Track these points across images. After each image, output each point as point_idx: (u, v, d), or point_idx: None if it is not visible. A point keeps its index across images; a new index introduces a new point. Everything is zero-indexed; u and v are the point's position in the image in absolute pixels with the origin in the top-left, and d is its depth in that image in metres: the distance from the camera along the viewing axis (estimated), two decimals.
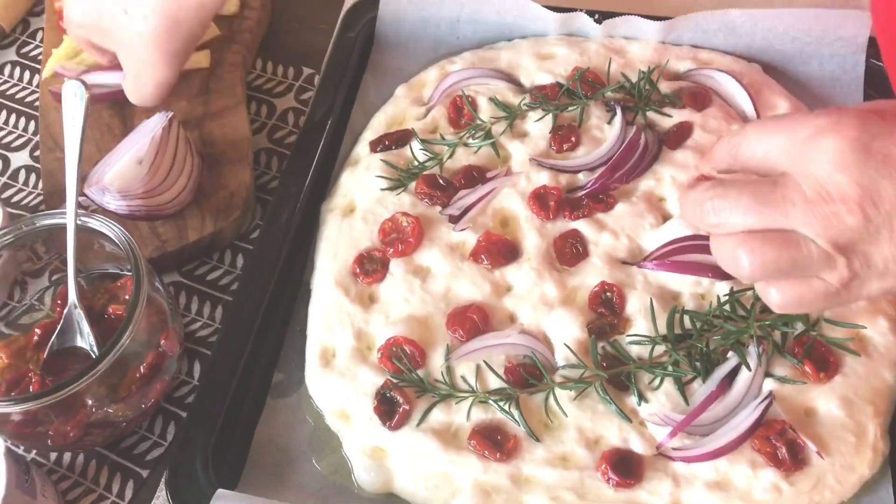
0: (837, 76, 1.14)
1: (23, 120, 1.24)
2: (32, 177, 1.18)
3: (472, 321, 0.93)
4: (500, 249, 0.98)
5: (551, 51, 1.17)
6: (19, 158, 1.20)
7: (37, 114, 1.23)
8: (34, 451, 0.98)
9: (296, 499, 0.89)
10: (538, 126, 1.08)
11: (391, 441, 0.89)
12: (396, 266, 0.99)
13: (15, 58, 1.31)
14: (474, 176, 1.05)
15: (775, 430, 0.86)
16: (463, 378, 0.91)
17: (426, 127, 1.11)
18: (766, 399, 0.87)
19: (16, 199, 1.17)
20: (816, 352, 0.90)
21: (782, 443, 0.85)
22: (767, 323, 0.90)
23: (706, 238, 0.95)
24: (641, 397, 0.89)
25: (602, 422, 0.88)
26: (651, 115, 1.09)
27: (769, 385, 0.89)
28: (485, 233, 0.99)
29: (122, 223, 1.03)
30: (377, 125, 1.13)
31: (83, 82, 0.93)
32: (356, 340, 0.95)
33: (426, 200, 1.03)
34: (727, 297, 0.92)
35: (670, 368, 0.89)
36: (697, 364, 0.90)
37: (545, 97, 1.10)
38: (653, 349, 0.90)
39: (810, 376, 0.89)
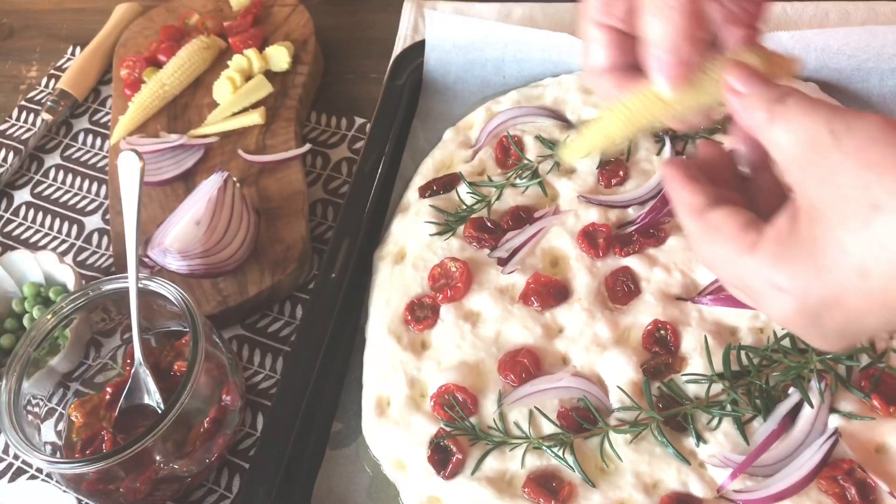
0: None
1: (95, 185, 1.31)
2: (104, 239, 1.24)
3: (524, 365, 0.93)
4: (549, 291, 0.97)
5: None
6: (92, 222, 1.27)
7: (107, 178, 1.29)
8: None
9: None
10: (586, 162, 1.08)
11: (446, 490, 0.89)
12: (447, 312, 0.99)
13: (87, 125, 1.39)
14: (522, 216, 1.04)
15: (843, 470, 0.82)
16: (516, 424, 0.90)
17: (474, 169, 1.11)
18: (832, 437, 0.83)
19: (90, 261, 1.23)
20: (885, 384, 0.86)
21: (851, 483, 0.81)
22: (829, 356, 0.86)
23: None
24: (700, 438, 0.86)
25: (660, 465, 0.86)
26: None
27: (835, 421, 0.85)
28: (534, 274, 0.98)
29: (184, 282, 1.08)
30: (426, 170, 1.14)
31: (137, 153, 0.98)
32: (409, 388, 0.96)
33: (474, 244, 1.04)
34: (785, 331, 0.89)
35: (728, 408, 0.87)
36: (757, 402, 0.87)
37: None
38: (709, 388, 0.88)
39: (879, 411, 0.85)
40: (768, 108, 0.60)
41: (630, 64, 0.70)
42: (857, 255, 0.54)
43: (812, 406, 0.85)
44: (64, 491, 0.95)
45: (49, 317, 0.98)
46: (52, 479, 1.02)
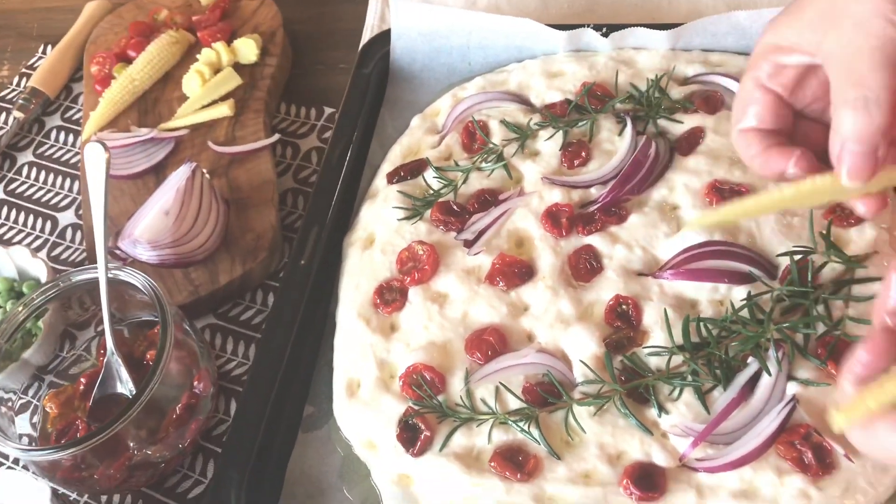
0: None
1: (68, 181, 1.32)
2: (78, 234, 1.25)
3: (490, 343, 0.94)
4: (514, 270, 0.99)
5: (560, 68, 1.18)
6: (66, 217, 1.28)
7: (80, 173, 1.30)
8: (86, 496, 1.02)
9: None
10: (549, 144, 1.09)
11: (415, 468, 0.91)
12: (415, 294, 1.00)
13: (60, 122, 1.40)
14: (487, 199, 1.06)
15: (800, 435, 0.84)
16: (483, 401, 0.92)
17: (441, 155, 1.13)
18: (790, 403, 0.85)
19: (64, 256, 1.24)
20: (841, 352, 0.87)
21: (807, 447, 0.83)
22: (786, 325, 0.88)
23: (721, 244, 0.96)
24: (661, 409, 0.88)
25: (623, 436, 0.88)
26: (663, 122, 1.09)
27: (793, 389, 0.87)
28: (499, 254, 1.00)
29: (155, 272, 1.09)
30: (393, 157, 1.15)
31: (103, 144, 0.99)
32: (379, 370, 0.97)
33: (441, 227, 1.05)
34: (743, 302, 0.91)
35: (689, 378, 0.88)
36: (717, 372, 0.88)
37: (554, 115, 1.11)
38: (670, 360, 0.90)
39: (836, 377, 0.87)
40: None
41: (779, 130, 0.75)
42: None
43: (770, 374, 0.87)
44: (37, 478, 0.96)
45: (20, 308, 0.99)
46: (28, 470, 1.03)
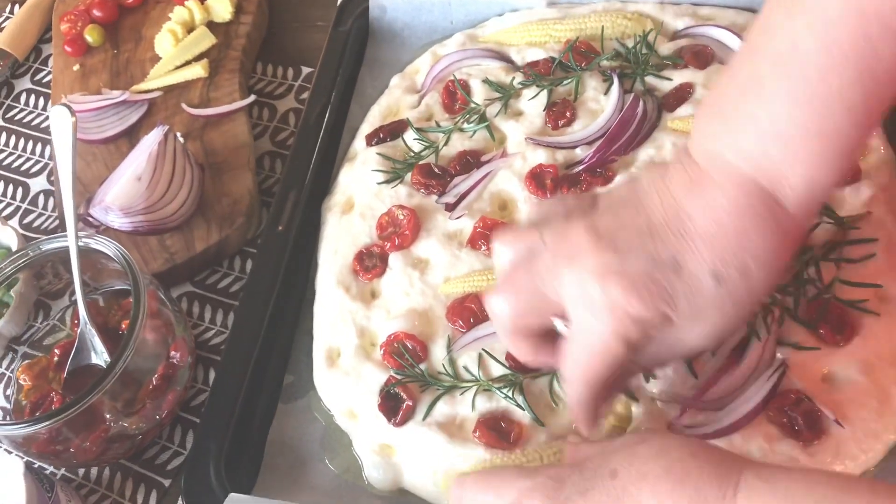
0: None
1: (39, 146, 1.28)
2: (51, 200, 1.22)
3: (472, 310, 0.92)
4: None
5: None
6: (38, 183, 1.24)
7: (51, 138, 1.26)
8: (63, 469, 1.00)
9: (309, 499, 0.89)
10: (533, 104, 1.06)
11: (397, 437, 0.89)
12: (395, 260, 0.98)
13: (29, 85, 1.35)
14: (469, 161, 1.03)
15: (791, 401, 0.82)
16: (465, 368, 0.90)
17: (421, 115, 1.09)
18: (780, 368, 0.83)
19: (36, 223, 1.20)
20: (832, 315, 0.85)
21: (798, 413, 0.81)
22: (776, 288, 0.86)
23: None
24: (649, 374, 0.86)
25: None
26: (651, 79, 1.05)
27: (783, 353, 0.85)
28: (481, 218, 0.97)
29: (130, 240, 1.06)
30: (372, 118, 1.12)
31: (69, 107, 0.95)
32: (359, 338, 0.95)
33: (422, 191, 1.02)
34: None
35: None
36: None
37: (538, 73, 1.07)
38: None
39: (826, 341, 0.85)
40: None
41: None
42: None
43: (759, 338, 0.85)
44: (10, 452, 0.94)
45: None
46: (1, 444, 1.01)
